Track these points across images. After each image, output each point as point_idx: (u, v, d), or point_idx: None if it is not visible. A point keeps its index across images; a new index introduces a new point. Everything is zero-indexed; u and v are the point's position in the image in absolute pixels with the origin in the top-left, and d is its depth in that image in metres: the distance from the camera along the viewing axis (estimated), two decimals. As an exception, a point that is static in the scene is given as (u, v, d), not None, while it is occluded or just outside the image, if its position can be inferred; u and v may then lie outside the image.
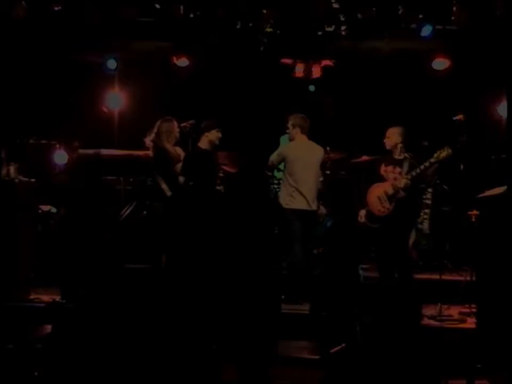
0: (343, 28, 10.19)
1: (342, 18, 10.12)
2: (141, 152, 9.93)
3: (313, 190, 9.05)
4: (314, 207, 9.03)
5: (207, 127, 8.87)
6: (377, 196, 8.59)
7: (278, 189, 9.57)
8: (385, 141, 8.66)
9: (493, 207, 7.64)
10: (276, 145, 9.56)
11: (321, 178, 9.72)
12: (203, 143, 8.85)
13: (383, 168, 8.63)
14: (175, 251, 8.69)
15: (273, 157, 9.19)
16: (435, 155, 8.30)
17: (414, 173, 8.41)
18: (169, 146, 8.80)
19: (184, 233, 8.57)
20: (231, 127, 9.42)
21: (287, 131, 9.25)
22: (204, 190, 8.73)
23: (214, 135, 8.84)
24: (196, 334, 6.57)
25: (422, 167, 8.37)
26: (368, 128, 11.17)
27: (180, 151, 8.86)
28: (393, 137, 8.61)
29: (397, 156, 8.57)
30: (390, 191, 8.50)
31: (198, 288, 7.40)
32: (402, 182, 8.44)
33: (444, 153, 8.31)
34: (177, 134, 8.89)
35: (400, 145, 8.78)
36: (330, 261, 7.31)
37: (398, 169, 8.50)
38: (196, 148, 8.86)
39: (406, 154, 8.53)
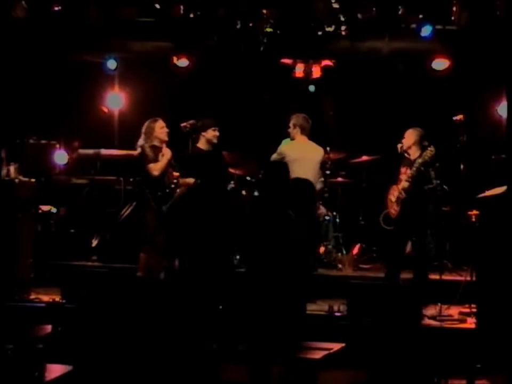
0: (343, 28, 10.18)
1: (342, 18, 10.11)
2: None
3: None
4: None
5: (203, 126, 8.89)
6: (390, 198, 8.73)
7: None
8: (402, 141, 8.71)
9: (493, 207, 7.63)
10: (277, 145, 9.56)
11: (321, 179, 9.74)
12: (201, 143, 8.88)
13: (401, 170, 8.70)
14: (186, 251, 8.76)
15: (274, 156, 9.22)
16: (422, 156, 8.48)
17: (410, 174, 8.51)
18: (145, 145, 8.79)
19: (192, 232, 8.62)
20: (231, 127, 9.44)
21: (288, 130, 9.27)
22: (208, 189, 8.76)
23: (210, 134, 8.85)
24: (195, 333, 6.57)
25: (414, 169, 8.47)
26: (368, 128, 11.21)
27: (165, 151, 8.79)
28: (409, 138, 8.66)
29: (412, 157, 8.63)
30: (396, 193, 8.63)
31: (205, 288, 7.39)
32: (401, 184, 8.56)
33: (428, 153, 8.48)
34: (161, 135, 8.78)
35: (400, 145, 8.82)
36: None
37: (408, 171, 8.57)
38: (195, 148, 8.86)
39: (412, 155, 8.60)
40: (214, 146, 8.87)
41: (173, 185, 8.76)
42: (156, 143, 8.77)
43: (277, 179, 6.71)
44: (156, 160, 8.72)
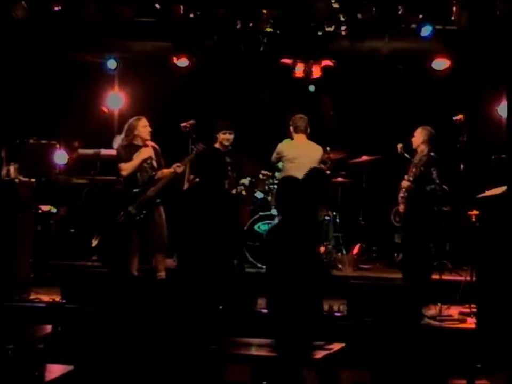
0: (343, 28, 10.17)
1: (342, 18, 10.10)
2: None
3: None
4: None
5: (216, 128, 9.00)
6: (399, 195, 8.78)
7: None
8: (412, 139, 8.75)
9: (493, 207, 7.64)
10: (277, 145, 9.57)
11: None
12: (217, 144, 9.01)
13: (410, 168, 8.74)
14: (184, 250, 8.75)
15: (273, 156, 9.24)
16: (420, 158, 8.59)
17: (412, 173, 8.54)
18: (120, 146, 8.81)
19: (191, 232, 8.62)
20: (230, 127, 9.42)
21: None
22: (212, 189, 8.78)
23: (221, 137, 8.96)
24: (197, 333, 6.56)
25: (415, 168, 8.53)
26: (368, 128, 11.20)
27: (142, 150, 8.73)
28: (418, 136, 8.69)
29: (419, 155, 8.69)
30: (401, 191, 8.69)
31: (203, 288, 7.38)
32: (403, 183, 8.63)
33: (424, 158, 8.56)
34: (143, 133, 8.75)
35: (400, 145, 8.85)
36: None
37: (414, 170, 8.63)
38: (211, 147, 8.95)
39: (406, 155, 8.64)
40: (228, 148, 8.95)
41: (143, 184, 8.74)
42: (136, 141, 8.77)
43: (292, 196, 6.70)
44: (128, 160, 8.72)
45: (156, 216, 8.72)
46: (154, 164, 8.79)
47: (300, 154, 8.96)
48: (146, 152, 8.73)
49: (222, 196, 8.91)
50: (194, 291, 7.03)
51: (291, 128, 9.16)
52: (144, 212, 8.65)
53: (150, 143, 8.83)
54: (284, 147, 9.16)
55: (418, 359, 6.64)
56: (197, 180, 8.77)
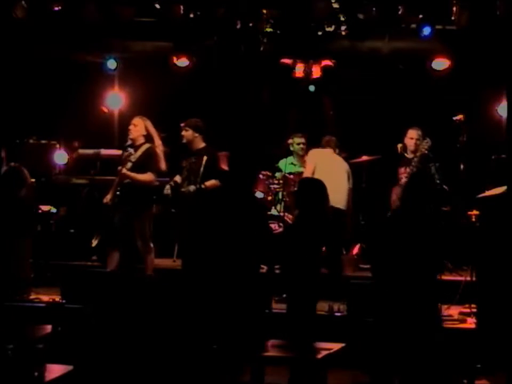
0: (343, 28, 10.19)
1: (342, 18, 10.12)
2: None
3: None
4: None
5: None
6: (393, 198, 8.79)
7: (279, 190, 9.59)
8: (405, 140, 8.78)
9: (493, 207, 7.64)
10: (276, 145, 9.56)
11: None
12: None
13: (400, 170, 8.76)
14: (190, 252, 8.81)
15: (308, 170, 9.09)
16: (419, 150, 8.64)
17: (409, 171, 8.56)
18: None
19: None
20: (230, 128, 9.45)
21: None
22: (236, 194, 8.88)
23: None
24: (200, 334, 6.56)
25: (413, 163, 8.53)
26: (368, 128, 11.20)
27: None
28: (414, 137, 8.73)
29: (409, 155, 8.70)
30: (399, 192, 8.69)
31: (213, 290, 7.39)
32: (402, 181, 8.63)
33: (425, 145, 8.63)
34: (129, 134, 8.84)
35: (400, 145, 8.86)
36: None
37: (408, 170, 8.64)
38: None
39: (408, 153, 8.65)
40: (193, 147, 8.99)
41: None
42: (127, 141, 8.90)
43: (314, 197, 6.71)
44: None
45: (120, 218, 8.71)
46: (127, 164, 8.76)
47: (327, 160, 8.96)
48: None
49: (247, 200, 8.96)
50: (200, 291, 7.03)
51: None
52: (111, 214, 8.71)
53: (156, 139, 8.78)
54: (316, 157, 9.07)
55: (418, 359, 6.63)
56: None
